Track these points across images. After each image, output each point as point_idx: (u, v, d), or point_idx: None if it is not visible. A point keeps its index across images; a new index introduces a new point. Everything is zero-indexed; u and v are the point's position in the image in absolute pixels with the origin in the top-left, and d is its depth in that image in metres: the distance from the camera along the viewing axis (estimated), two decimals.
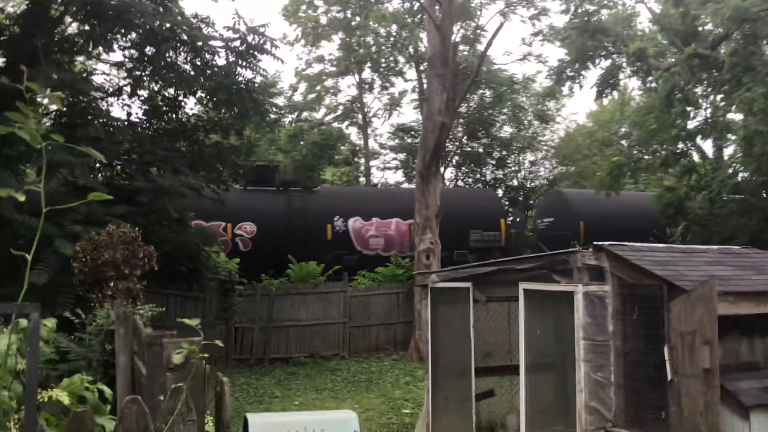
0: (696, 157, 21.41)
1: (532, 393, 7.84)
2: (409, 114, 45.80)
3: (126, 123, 15.52)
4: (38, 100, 15.81)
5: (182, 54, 15.47)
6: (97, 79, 16.93)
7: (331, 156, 33.80)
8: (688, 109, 19.80)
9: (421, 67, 32.40)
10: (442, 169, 22.44)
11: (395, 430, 10.83)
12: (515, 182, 37.85)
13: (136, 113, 15.98)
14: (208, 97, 15.70)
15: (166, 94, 16.33)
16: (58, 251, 11.56)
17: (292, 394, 13.77)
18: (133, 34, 15.16)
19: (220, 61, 15.43)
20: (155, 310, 8.26)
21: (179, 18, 14.75)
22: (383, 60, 33.90)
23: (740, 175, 17.99)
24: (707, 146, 24.46)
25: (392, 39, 33.27)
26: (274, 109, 17.33)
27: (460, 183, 35.98)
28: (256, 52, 15.06)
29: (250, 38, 14.93)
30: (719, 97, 21.75)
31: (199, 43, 14.82)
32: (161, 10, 14.39)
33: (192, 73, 15.52)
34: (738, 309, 6.35)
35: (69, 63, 15.93)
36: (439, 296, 9.54)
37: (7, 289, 11.75)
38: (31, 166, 13.94)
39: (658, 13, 19.64)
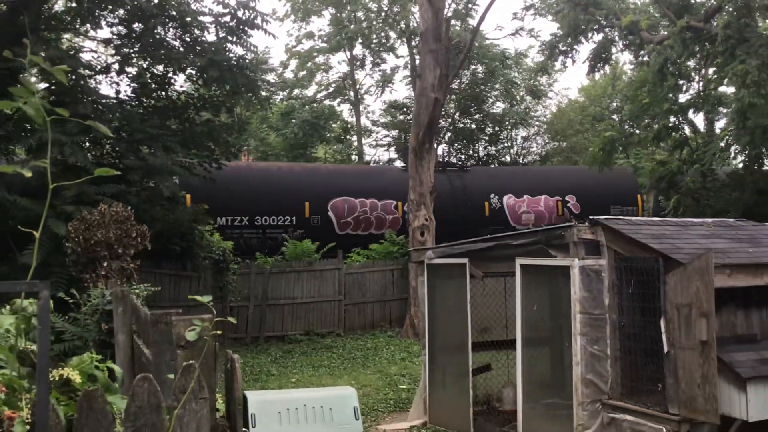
0: (687, 131, 21.42)
1: (529, 367, 7.88)
2: (401, 91, 45.69)
3: (115, 101, 15.34)
4: (25, 76, 15.65)
5: (171, 30, 15.27)
6: (85, 56, 16.72)
7: (323, 134, 33.62)
8: (681, 82, 19.78)
9: (413, 43, 32.17)
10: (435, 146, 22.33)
11: (392, 405, 10.85)
12: (508, 158, 37.81)
13: (125, 91, 15.80)
14: (198, 74, 15.52)
15: (155, 71, 16.13)
16: (51, 231, 11.47)
17: (288, 372, 13.80)
18: (121, 11, 14.95)
19: (210, 37, 15.25)
20: (150, 289, 8.23)
21: None
22: (374, 36, 33.63)
23: (732, 148, 18.01)
24: (699, 120, 24.49)
25: (383, 14, 32.98)
26: (265, 86, 17.15)
27: (452, 159, 35.89)
28: (246, 28, 14.87)
29: (240, 13, 14.74)
30: (711, 70, 21.73)
31: (188, 19, 14.62)
32: None
33: (181, 49, 15.33)
34: (734, 281, 6.37)
35: (56, 40, 15.71)
36: (435, 272, 9.54)
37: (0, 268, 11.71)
38: (21, 146, 13.83)
39: None
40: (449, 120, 34.59)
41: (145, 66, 16.17)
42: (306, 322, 18.15)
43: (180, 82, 16.54)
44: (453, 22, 26.64)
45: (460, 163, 24.43)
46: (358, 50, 35.37)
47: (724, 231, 7.50)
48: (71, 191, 12.19)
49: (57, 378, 2.58)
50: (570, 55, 21.84)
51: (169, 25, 14.90)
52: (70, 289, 8.37)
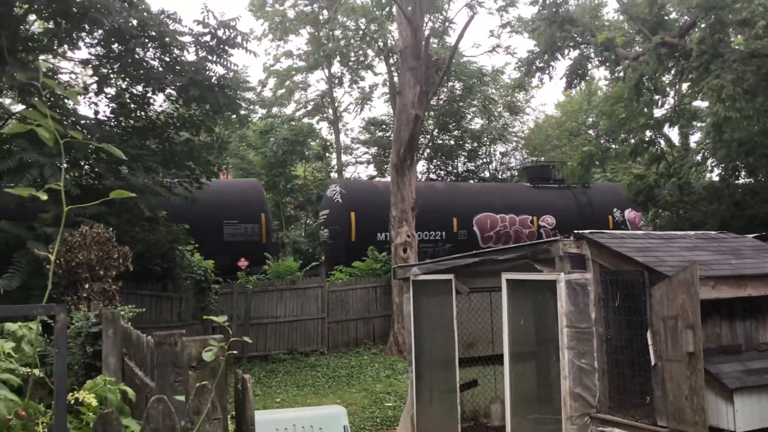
0: (663, 145, 21.70)
1: (516, 381, 7.89)
2: (380, 108, 45.76)
3: (93, 121, 15.24)
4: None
5: (151, 50, 15.23)
6: (63, 77, 16.60)
7: (302, 152, 33.62)
8: (656, 97, 20.06)
9: (391, 61, 32.37)
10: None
11: (379, 423, 10.82)
12: (487, 174, 38.04)
13: (104, 111, 15.71)
14: (178, 93, 15.47)
15: (135, 91, 16.07)
16: (30, 253, 11.33)
17: (272, 392, 13.69)
18: (100, 32, 14.89)
19: (190, 56, 15.22)
20: (135, 310, 8.14)
21: (145, 14, 14.51)
22: (352, 54, 33.79)
23: (709, 161, 18.26)
24: (673, 134, 24.86)
25: (361, 32, 33.17)
26: (245, 104, 17.15)
27: (432, 176, 36.06)
28: (227, 47, 14.88)
29: (220, 32, 14.74)
30: (685, 85, 22.08)
31: (167, 39, 14.60)
32: (126, 6, 14.15)
33: (161, 69, 15.29)
34: (719, 293, 6.43)
35: (34, 61, 15.59)
36: (421, 289, 9.54)
37: None
38: None
39: (625, 2, 19.82)
40: (428, 136, 34.77)
41: (124, 86, 16.10)
42: (289, 340, 18.05)
43: (159, 102, 16.50)
44: (431, 39, 26.86)
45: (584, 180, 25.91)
46: (337, 68, 35.57)
47: (706, 243, 7.59)
48: (50, 213, 12.07)
49: (73, 402, 2.55)
50: (547, 72, 22.05)
51: (149, 45, 14.85)
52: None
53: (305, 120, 36.50)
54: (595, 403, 7.07)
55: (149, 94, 15.76)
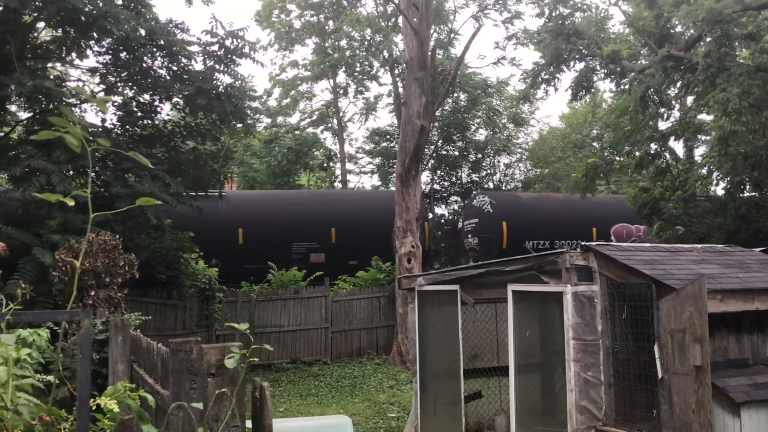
0: (668, 158, 21.70)
1: (521, 393, 7.87)
2: (384, 118, 45.77)
3: (101, 129, 15.30)
4: (7, 107, 15.59)
5: (158, 59, 15.31)
6: (71, 85, 16.68)
7: (306, 161, 33.69)
8: (662, 110, 20.07)
9: (396, 71, 32.46)
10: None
11: None
12: (491, 185, 38.04)
13: (111, 119, 15.79)
14: (185, 102, 15.54)
15: (141, 100, 16.14)
16: (36, 260, 11.37)
17: (276, 401, 13.66)
18: (108, 40, 14.98)
19: (198, 65, 15.30)
20: (141, 318, 8.14)
21: (154, 24, 14.60)
22: (358, 64, 33.89)
23: (714, 174, 18.24)
24: (678, 147, 24.85)
25: (366, 43, 33.29)
26: (251, 113, 17.21)
27: (436, 186, 36.08)
28: (234, 56, 14.95)
29: (228, 42, 14.82)
30: (690, 98, 22.09)
31: (175, 48, 14.67)
32: (135, 15, 14.23)
33: (168, 78, 15.36)
34: (726, 307, 6.43)
35: (43, 69, 15.69)
36: (426, 299, 9.53)
37: None
38: (5, 174, 13.73)
39: (631, 15, 19.85)
40: (432, 147, 34.82)
41: (131, 94, 16.17)
42: (293, 350, 18.03)
43: (166, 110, 16.59)
44: (437, 51, 26.96)
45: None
46: (342, 78, 35.65)
47: (713, 257, 7.58)
48: (56, 220, 12.11)
49: (94, 407, 2.56)
50: (552, 84, 22.07)
51: (157, 54, 14.92)
52: None
53: (310, 130, 36.58)
54: (601, 416, 7.05)
55: (156, 103, 15.83)
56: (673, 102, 21.51)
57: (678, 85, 19.27)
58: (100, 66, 15.79)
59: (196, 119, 16.58)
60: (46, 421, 2.36)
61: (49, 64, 17.28)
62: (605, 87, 45.13)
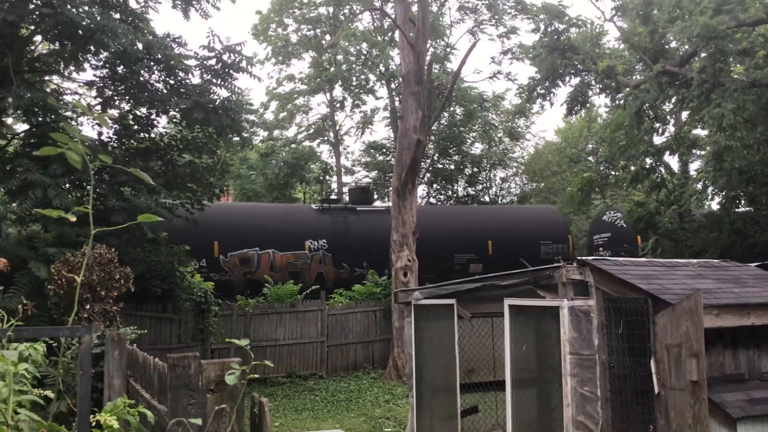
0: (663, 173, 21.80)
1: (518, 408, 7.85)
2: (381, 132, 46.00)
3: (97, 142, 15.29)
4: (4, 119, 15.59)
5: (155, 73, 15.34)
6: (67, 98, 16.71)
7: (303, 174, 33.74)
8: (657, 125, 20.19)
9: (393, 85, 32.60)
10: None
11: None
12: (487, 198, 38.12)
13: (107, 133, 15.78)
14: (182, 115, 15.56)
15: (138, 113, 16.15)
16: (31, 273, 11.33)
17: (271, 416, 13.59)
18: (105, 54, 15.01)
19: (195, 79, 15.32)
20: (137, 332, 8.12)
21: (151, 38, 14.64)
22: (354, 78, 34.03)
23: (709, 189, 18.32)
24: (673, 162, 24.97)
25: (363, 57, 33.44)
26: (248, 126, 17.23)
27: (432, 200, 36.15)
28: (231, 71, 14.99)
29: (225, 57, 14.86)
30: (685, 114, 22.23)
31: (173, 62, 14.71)
32: (132, 29, 14.28)
33: (165, 91, 15.39)
34: (722, 322, 6.44)
35: (40, 82, 15.71)
36: (422, 313, 9.53)
37: None
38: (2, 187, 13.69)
39: (626, 31, 20.00)
40: (429, 160, 34.91)
41: (128, 108, 16.19)
42: (288, 363, 17.97)
43: (163, 124, 16.59)
44: (433, 65, 27.09)
45: None
46: (338, 92, 35.79)
47: (709, 271, 7.60)
48: (52, 233, 12.09)
49: (93, 424, 2.55)
50: (548, 98, 22.20)
51: (154, 68, 14.96)
52: None
53: (306, 143, 36.67)
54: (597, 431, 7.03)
55: (153, 116, 15.84)
56: (668, 117, 21.65)
57: (673, 100, 19.41)
58: (97, 79, 15.81)
59: (192, 132, 16.60)
60: None
61: (46, 78, 17.32)
62: (600, 102, 45.21)
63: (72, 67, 15.73)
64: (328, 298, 19.23)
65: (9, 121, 17.77)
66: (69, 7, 12.59)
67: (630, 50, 20.96)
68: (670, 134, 22.08)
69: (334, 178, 37.80)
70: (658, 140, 21.89)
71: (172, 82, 15.28)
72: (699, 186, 18.61)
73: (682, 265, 7.90)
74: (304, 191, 37.50)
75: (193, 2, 15.54)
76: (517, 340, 7.83)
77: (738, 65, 15.86)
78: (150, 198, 13.57)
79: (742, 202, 18.81)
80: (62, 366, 7.57)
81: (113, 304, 10.38)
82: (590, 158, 38.30)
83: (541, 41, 21.08)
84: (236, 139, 17.25)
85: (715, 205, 21.93)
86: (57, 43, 15.00)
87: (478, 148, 37.00)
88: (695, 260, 8.52)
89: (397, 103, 31.23)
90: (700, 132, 22.64)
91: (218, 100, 14.97)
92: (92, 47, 14.38)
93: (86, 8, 13.27)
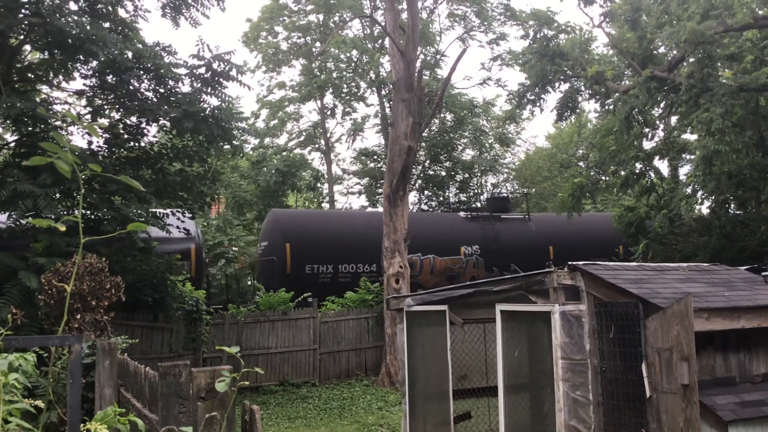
0: (653, 177, 21.92)
1: (511, 414, 7.85)
2: (371, 139, 46.12)
3: (87, 152, 15.24)
4: None
5: (145, 82, 15.31)
6: (57, 108, 16.65)
7: (294, 182, 33.73)
8: (646, 130, 20.31)
9: (383, 92, 32.65)
10: None
11: None
12: (478, 204, 38.20)
13: (97, 142, 15.73)
14: (172, 124, 15.53)
15: (128, 122, 16.11)
16: (21, 283, 11.27)
17: (264, 424, 13.54)
18: (94, 63, 14.98)
19: (185, 88, 15.30)
20: (128, 341, 8.08)
21: (141, 47, 14.63)
22: (345, 85, 34.09)
23: (699, 193, 18.42)
24: (663, 166, 25.12)
25: (353, 65, 33.51)
26: (239, 134, 17.21)
27: (423, 206, 36.19)
28: (221, 79, 14.98)
29: (215, 65, 14.86)
30: (674, 118, 22.36)
31: (162, 71, 14.69)
32: (122, 38, 14.26)
33: (155, 100, 15.36)
34: (712, 325, 6.47)
35: (30, 92, 15.66)
36: (414, 320, 9.53)
37: None
38: None
39: (614, 37, 20.12)
40: (420, 167, 34.96)
41: (118, 117, 16.15)
42: (281, 371, 17.91)
43: (153, 132, 16.54)
44: (423, 72, 27.17)
45: None
46: (329, 99, 35.83)
47: (699, 275, 7.64)
48: (42, 243, 12.02)
49: None
50: (538, 104, 22.31)
51: (144, 77, 14.93)
52: None
53: (297, 150, 36.67)
54: None
55: (143, 125, 15.80)
56: (657, 122, 21.78)
57: (662, 105, 19.52)
58: (87, 88, 15.77)
59: (183, 141, 16.57)
60: None
61: (41, 87, 17.26)
62: (590, 107, 45.51)
63: (61, 77, 15.69)
64: (320, 306, 19.21)
65: None
66: (58, 16, 12.56)
67: (619, 56, 21.08)
68: (659, 139, 22.23)
69: (326, 185, 37.82)
70: (647, 145, 22.06)
71: (162, 90, 15.25)
72: (688, 190, 18.71)
73: (672, 269, 7.94)
74: (295, 199, 37.48)
75: (183, 11, 15.55)
76: (509, 346, 7.84)
77: (726, 70, 15.97)
78: (140, 207, 13.52)
79: (732, 206, 18.91)
80: (53, 376, 7.53)
81: (104, 314, 10.32)
82: (581, 163, 38.47)
83: (531, 47, 21.19)
84: (227, 147, 17.23)
85: (704, 209, 22.04)
86: (46, 53, 14.96)
87: (469, 155, 37.11)
88: (685, 264, 8.56)
89: (387, 110, 31.31)
90: (689, 136, 22.81)
91: (208, 109, 14.96)
92: (82, 56, 14.36)
93: (75, 18, 13.25)
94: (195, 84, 15.22)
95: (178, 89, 15.25)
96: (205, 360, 16.82)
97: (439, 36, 34.80)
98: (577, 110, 24.36)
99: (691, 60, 16.08)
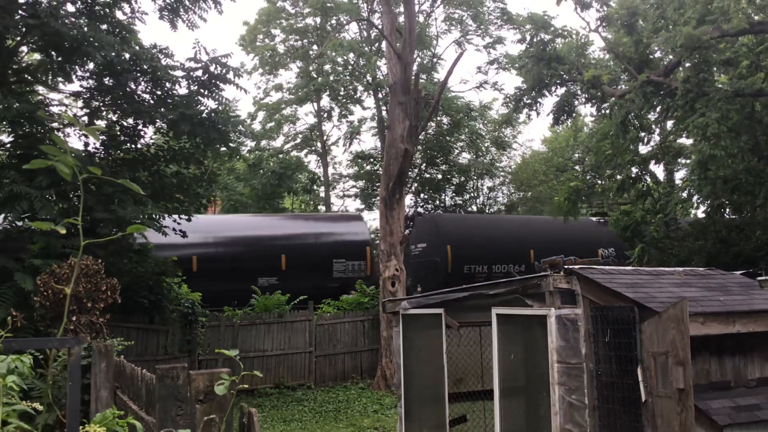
0: (649, 182, 21.97)
1: (506, 417, 7.85)
2: (368, 141, 46.13)
3: (84, 153, 15.22)
4: None
5: (142, 84, 15.30)
6: (54, 109, 16.62)
7: (290, 185, 33.72)
8: (642, 134, 20.36)
9: (380, 95, 32.68)
10: None
11: None
12: (474, 207, 38.22)
13: (94, 143, 15.71)
14: (169, 126, 15.52)
15: (125, 124, 16.09)
16: (17, 285, 11.23)
17: (260, 427, 13.52)
18: (92, 65, 14.97)
19: (182, 90, 15.30)
20: (124, 343, 8.07)
21: (138, 49, 14.62)
22: (342, 88, 34.10)
23: (694, 198, 18.47)
24: (659, 171, 25.18)
25: (350, 67, 33.53)
26: (236, 137, 17.21)
27: (419, 209, 36.20)
28: (218, 82, 14.99)
29: (212, 68, 14.86)
30: (670, 123, 22.42)
31: (159, 73, 14.68)
32: (119, 40, 14.26)
33: (152, 102, 15.35)
34: (708, 330, 6.49)
35: (28, 93, 15.65)
36: (410, 323, 9.53)
37: None
38: None
39: (611, 42, 20.18)
40: (416, 170, 34.98)
41: (114, 119, 16.13)
42: (276, 374, 17.90)
43: (150, 134, 16.52)
44: (420, 75, 27.20)
45: None
46: (326, 102, 35.82)
47: (695, 280, 7.66)
48: (38, 244, 12.00)
49: None
50: (534, 108, 22.36)
51: (141, 79, 14.92)
52: None
53: (294, 153, 36.67)
54: None
55: (140, 127, 15.79)
56: (653, 126, 21.85)
57: (658, 109, 19.58)
58: (84, 90, 15.75)
59: (179, 143, 16.55)
60: None
61: (39, 89, 17.23)
62: (586, 111, 45.63)
63: (58, 78, 15.67)
64: (316, 308, 19.20)
65: None
66: (55, 18, 12.55)
67: (615, 60, 21.14)
68: (655, 143, 22.28)
69: (322, 188, 37.82)
70: (643, 149, 22.12)
71: (158, 93, 15.24)
72: (684, 194, 18.77)
73: (668, 273, 7.96)
74: (292, 201, 37.47)
75: (180, 13, 15.55)
76: (504, 349, 7.85)
77: (722, 75, 16.05)
78: (137, 209, 13.50)
79: (727, 210, 18.97)
80: (50, 378, 7.51)
81: (100, 316, 10.30)
82: (577, 167, 38.55)
83: (527, 51, 21.23)
84: (224, 149, 17.23)
85: (700, 214, 22.12)
86: (43, 54, 14.95)
87: (465, 158, 37.15)
88: (681, 269, 8.58)
89: (384, 113, 31.32)
90: (684, 141, 22.87)
91: (205, 112, 14.95)
92: (78, 58, 14.35)
93: (73, 19, 13.24)
94: (192, 86, 15.22)
95: (175, 92, 15.25)
96: (201, 362, 16.80)
97: (436, 39, 34.88)
98: (574, 114, 24.41)
99: (687, 65, 16.14)
